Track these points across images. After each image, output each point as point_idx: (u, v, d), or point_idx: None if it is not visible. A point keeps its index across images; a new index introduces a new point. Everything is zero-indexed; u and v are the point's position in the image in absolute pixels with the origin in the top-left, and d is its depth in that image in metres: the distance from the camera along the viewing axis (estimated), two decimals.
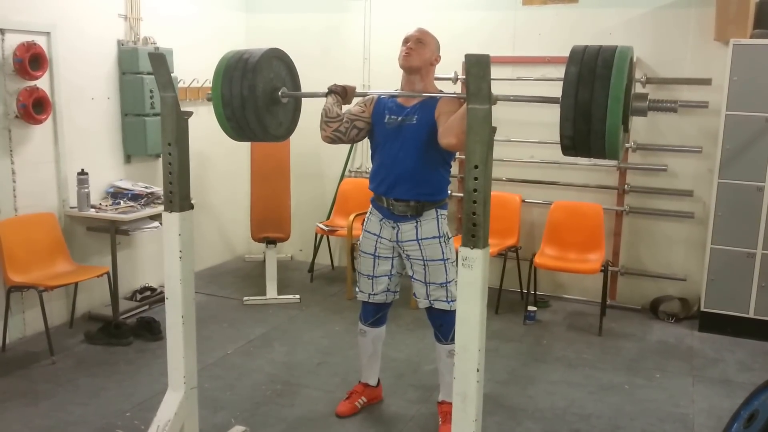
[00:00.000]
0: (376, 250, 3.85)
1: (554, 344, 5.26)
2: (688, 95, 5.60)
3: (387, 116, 3.72)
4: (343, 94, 3.67)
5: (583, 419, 4.11)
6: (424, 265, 3.73)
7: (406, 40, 3.68)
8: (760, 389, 3.07)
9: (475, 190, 2.48)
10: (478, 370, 2.60)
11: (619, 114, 2.40)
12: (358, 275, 3.98)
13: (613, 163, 5.87)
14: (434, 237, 3.71)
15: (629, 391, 4.49)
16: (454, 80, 6.15)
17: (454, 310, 3.53)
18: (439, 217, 3.74)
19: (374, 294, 3.92)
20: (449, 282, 3.71)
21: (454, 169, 6.33)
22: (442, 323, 3.79)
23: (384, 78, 6.43)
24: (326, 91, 3.67)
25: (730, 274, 5.35)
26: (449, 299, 3.70)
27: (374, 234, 3.85)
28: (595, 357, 5.01)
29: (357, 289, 4.00)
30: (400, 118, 3.67)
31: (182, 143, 3.17)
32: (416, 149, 3.62)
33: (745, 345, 5.25)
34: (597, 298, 5.79)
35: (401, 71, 3.72)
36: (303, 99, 3.61)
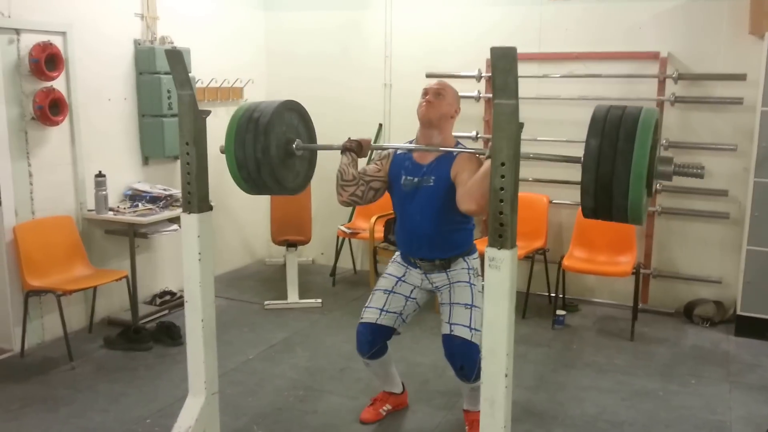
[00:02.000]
0: (393, 288, 3.75)
1: (584, 349, 5.14)
2: (721, 91, 5.47)
3: (403, 177, 3.61)
4: (357, 150, 3.56)
5: (616, 426, 4.01)
6: (450, 288, 3.63)
7: (425, 92, 3.57)
8: None
9: (501, 189, 2.43)
10: (506, 375, 2.55)
11: (642, 190, 2.38)
12: (371, 297, 3.80)
13: None
14: (463, 269, 3.65)
15: (663, 398, 4.37)
16: (478, 78, 6.03)
17: (476, 344, 3.42)
18: (469, 258, 3.68)
19: (386, 311, 3.71)
20: (474, 306, 3.54)
21: None
22: (463, 364, 3.54)
23: (406, 77, 6.37)
24: (341, 148, 3.55)
25: (767, 276, 5.18)
26: (472, 326, 3.51)
27: (396, 276, 3.76)
28: (626, 362, 4.89)
29: (366, 305, 3.78)
30: (416, 180, 3.56)
31: (200, 143, 3.14)
32: (435, 212, 3.52)
33: None
34: (628, 302, 5.65)
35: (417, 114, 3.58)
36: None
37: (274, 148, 3.15)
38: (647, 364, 4.87)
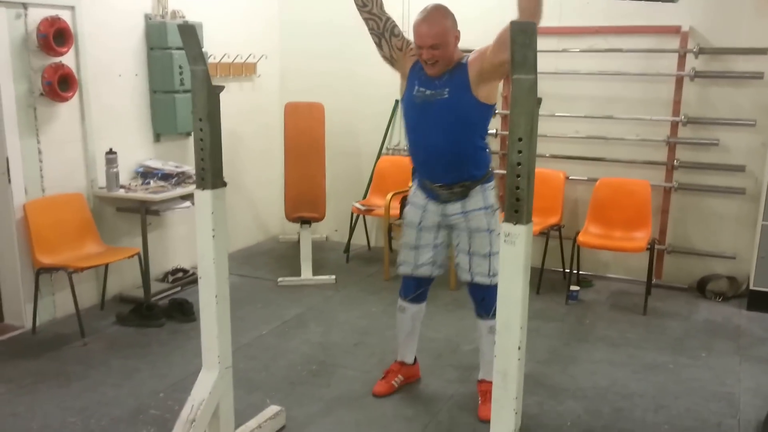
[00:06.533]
0: (420, 221, 3.74)
1: (597, 324, 5.12)
2: (742, 66, 5.38)
3: (416, 87, 3.55)
4: None
5: (626, 398, 4.02)
6: (469, 234, 3.63)
7: (419, 47, 3.44)
8: None
9: (518, 164, 2.42)
10: (519, 348, 2.57)
11: None
12: (400, 247, 3.86)
13: (662, 137, 5.67)
14: (480, 208, 3.60)
15: (674, 371, 4.37)
16: None
17: (496, 285, 3.42)
18: (485, 191, 3.62)
19: (418, 266, 3.80)
20: (493, 254, 3.57)
21: (496, 145, 6.17)
22: (484, 296, 3.67)
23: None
24: None
25: None
26: (490, 273, 3.58)
27: (420, 205, 3.74)
28: (639, 336, 4.89)
29: (399, 260, 3.87)
30: (428, 92, 3.50)
31: (214, 118, 3.10)
32: (450, 127, 3.46)
33: None
34: (642, 278, 5.60)
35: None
36: None
37: None
38: (659, 338, 4.86)
